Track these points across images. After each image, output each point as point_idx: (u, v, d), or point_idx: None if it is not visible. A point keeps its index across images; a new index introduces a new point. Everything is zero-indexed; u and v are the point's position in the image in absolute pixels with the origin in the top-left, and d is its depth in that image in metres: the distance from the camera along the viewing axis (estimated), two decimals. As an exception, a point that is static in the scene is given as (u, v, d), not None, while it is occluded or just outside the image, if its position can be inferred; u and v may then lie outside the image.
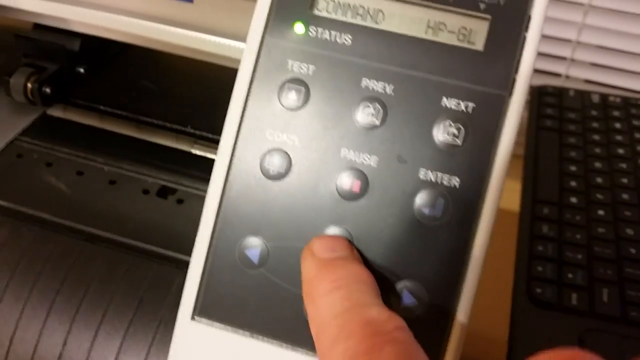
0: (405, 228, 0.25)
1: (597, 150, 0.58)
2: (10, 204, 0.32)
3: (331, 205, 0.25)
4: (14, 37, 0.40)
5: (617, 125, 0.61)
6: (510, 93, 0.24)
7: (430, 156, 0.24)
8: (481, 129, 0.24)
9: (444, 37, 0.25)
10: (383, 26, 0.25)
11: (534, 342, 0.44)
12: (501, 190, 0.24)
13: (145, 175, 0.34)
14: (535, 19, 0.25)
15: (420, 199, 0.24)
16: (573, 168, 0.56)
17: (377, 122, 0.25)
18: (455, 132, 0.24)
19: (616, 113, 0.62)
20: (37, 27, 0.39)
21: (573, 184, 0.55)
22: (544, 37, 0.83)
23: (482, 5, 0.25)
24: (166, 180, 0.34)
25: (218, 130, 0.39)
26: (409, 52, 0.25)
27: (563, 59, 0.85)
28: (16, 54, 0.40)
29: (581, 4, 0.78)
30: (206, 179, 0.36)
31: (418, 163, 0.24)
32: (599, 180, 0.55)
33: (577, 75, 0.85)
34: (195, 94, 0.40)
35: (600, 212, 0.52)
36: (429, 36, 0.25)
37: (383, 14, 0.26)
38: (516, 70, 0.24)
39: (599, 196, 0.54)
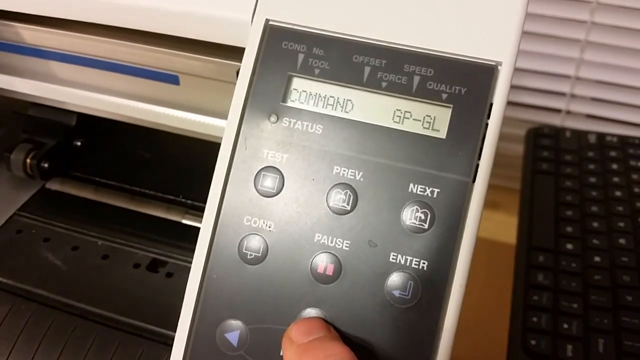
0: (377, 309, 0.25)
1: (594, 193, 0.58)
2: (10, 280, 0.34)
3: (306, 288, 0.26)
4: (12, 113, 0.42)
5: (614, 166, 0.61)
6: (473, 179, 0.25)
7: (399, 240, 0.25)
8: (446, 213, 0.25)
9: (409, 126, 0.26)
10: (352, 115, 0.27)
11: (530, 395, 0.45)
12: (467, 273, 0.25)
13: (137, 248, 0.36)
14: (496, 106, 0.26)
15: (391, 282, 0.25)
16: (569, 212, 0.57)
17: (348, 208, 0.26)
18: (422, 216, 0.25)
19: (613, 154, 0.63)
20: (35, 104, 0.42)
21: (569, 229, 0.55)
22: (543, 74, 0.83)
23: (444, 95, 0.26)
24: (157, 253, 0.36)
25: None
26: (377, 141, 0.26)
27: (562, 94, 0.85)
28: (15, 130, 0.42)
29: (578, 40, 0.79)
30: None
31: (388, 247, 0.26)
32: (595, 224, 0.55)
33: (577, 110, 0.86)
34: (187, 166, 0.42)
35: (597, 259, 0.52)
36: (396, 125, 0.26)
37: (352, 103, 0.27)
38: (479, 157, 0.25)
39: (595, 242, 0.54)
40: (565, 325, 0.47)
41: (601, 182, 0.60)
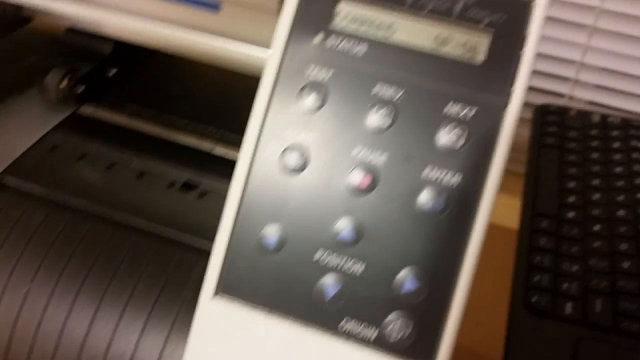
0: (410, 220, 0.27)
1: (596, 168, 0.61)
2: (45, 191, 0.35)
3: (343, 198, 0.28)
4: (48, 40, 0.43)
5: (616, 144, 0.63)
6: (507, 103, 0.27)
7: (435, 156, 0.27)
8: (480, 133, 0.27)
9: (449, 50, 0.28)
10: (395, 38, 0.28)
11: (529, 349, 0.46)
12: (498, 189, 0.27)
13: (170, 170, 0.37)
14: (531, 37, 0.27)
15: (424, 194, 0.27)
16: (572, 184, 0.59)
17: (387, 124, 0.28)
18: (457, 135, 0.27)
19: (615, 133, 0.65)
20: (71, 31, 0.43)
21: (572, 199, 0.57)
22: (549, 57, 0.85)
23: (484, 22, 0.28)
24: (189, 176, 0.37)
25: (239, 131, 0.42)
26: (418, 63, 0.28)
27: (567, 79, 0.87)
28: (50, 55, 0.43)
29: (586, 26, 0.81)
30: (226, 177, 0.39)
31: (423, 162, 0.27)
32: (597, 196, 0.57)
33: (580, 96, 0.88)
34: (218, 97, 0.43)
35: (596, 227, 0.54)
36: (437, 48, 0.28)
37: (395, 26, 0.28)
38: (513, 83, 0.27)
39: (595, 212, 0.56)
40: (565, 285, 0.49)
41: (603, 158, 0.62)
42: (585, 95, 0.87)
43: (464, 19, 0.28)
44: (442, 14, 0.28)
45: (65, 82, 0.40)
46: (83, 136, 0.39)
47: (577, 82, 0.86)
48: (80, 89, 0.40)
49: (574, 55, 0.84)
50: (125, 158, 0.38)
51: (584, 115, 0.68)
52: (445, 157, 0.27)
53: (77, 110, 0.41)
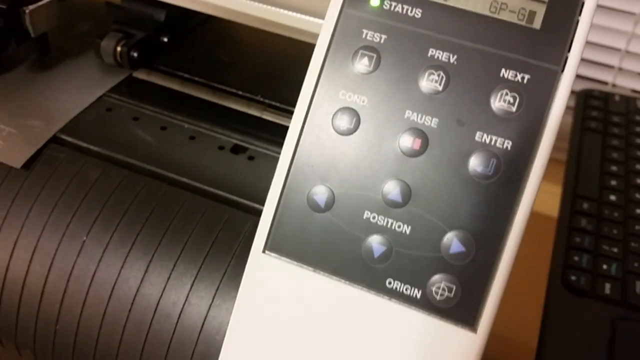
0: (459, 184, 0.27)
1: (639, 153, 0.60)
2: (101, 149, 0.36)
3: (393, 160, 0.28)
4: (105, 5, 0.44)
5: (660, 131, 0.62)
6: (562, 69, 0.27)
7: (487, 121, 0.27)
8: (534, 99, 0.27)
9: (505, 15, 0.28)
10: (450, 2, 0.28)
11: (566, 327, 0.46)
12: (548, 156, 0.27)
13: (220, 134, 0.38)
14: (588, 5, 0.27)
15: (475, 159, 0.27)
16: (614, 168, 0.58)
17: (440, 88, 0.28)
18: (511, 100, 0.27)
19: (660, 119, 0.64)
20: (127, -3, 0.44)
21: (613, 183, 0.57)
22: (593, 45, 0.84)
23: (542, -11, 0.28)
24: (239, 139, 0.38)
25: (286, 100, 0.43)
26: (473, 27, 0.28)
27: (611, 67, 0.86)
28: (106, 21, 0.44)
29: (632, 14, 0.80)
30: (274, 141, 0.40)
31: (475, 126, 0.27)
32: (638, 181, 0.57)
33: (623, 84, 0.86)
34: (266, 66, 0.44)
35: (638, 211, 0.54)
36: (492, 13, 0.28)
37: (451, -7, 0.29)
38: (569, 49, 0.27)
39: (637, 196, 0.55)
40: (605, 266, 0.49)
41: (647, 144, 0.61)
42: (628, 83, 0.86)
43: (522, -15, 0.28)
44: (499, -20, 0.28)
45: (120, 47, 0.41)
46: (137, 99, 0.40)
47: (620, 70, 0.85)
48: (135, 54, 0.41)
49: (619, 43, 0.82)
50: (178, 121, 0.39)
51: (627, 100, 0.67)
52: (497, 122, 0.27)
53: (131, 75, 0.43)
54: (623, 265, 0.49)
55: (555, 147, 0.27)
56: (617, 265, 0.49)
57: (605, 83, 0.86)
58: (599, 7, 0.81)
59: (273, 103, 0.41)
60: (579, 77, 0.86)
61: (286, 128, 0.29)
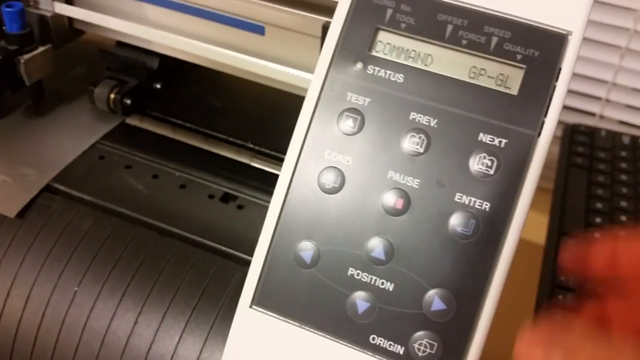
0: (440, 243, 0.28)
1: (624, 189, 0.61)
2: (94, 198, 0.37)
3: (376, 218, 0.29)
4: (98, 52, 0.45)
5: (646, 167, 0.64)
6: (539, 133, 0.28)
7: (466, 182, 0.28)
8: (511, 162, 0.28)
9: (484, 81, 0.29)
10: (431, 68, 0.30)
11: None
12: (526, 216, 0.28)
13: (210, 182, 0.39)
14: (565, 70, 0.29)
15: (455, 219, 0.28)
16: (599, 205, 0.59)
17: (421, 150, 0.29)
18: (489, 163, 0.28)
19: (645, 155, 0.65)
20: (120, 44, 0.45)
21: (598, 220, 0.58)
22: (580, 76, 0.86)
23: (518, 56, 0.29)
24: (228, 187, 0.39)
25: (275, 148, 0.44)
26: (453, 92, 0.29)
27: (598, 99, 0.87)
28: (99, 67, 0.45)
29: (619, 47, 0.81)
30: (263, 189, 0.41)
31: (454, 188, 0.28)
32: (624, 218, 0.58)
33: (611, 115, 0.88)
34: (256, 113, 0.45)
35: (623, 249, 0.55)
36: (471, 79, 0.29)
37: (432, 57, 0.30)
38: (545, 114, 0.28)
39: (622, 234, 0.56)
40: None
41: (632, 180, 0.62)
42: (615, 114, 0.87)
43: (499, 54, 0.29)
44: (478, 48, 0.29)
45: (113, 95, 0.42)
46: (129, 146, 0.41)
47: (608, 102, 0.86)
48: (128, 101, 0.42)
49: (606, 75, 0.84)
50: (169, 169, 0.40)
51: (614, 136, 0.68)
52: (476, 184, 0.28)
53: (124, 121, 0.44)
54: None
55: (542, 176, 0.28)
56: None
57: (592, 114, 0.88)
58: (586, 39, 0.83)
59: (263, 150, 0.42)
60: (566, 108, 0.87)
61: (275, 176, 0.30)
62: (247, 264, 0.31)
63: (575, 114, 0.88)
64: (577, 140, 0.68)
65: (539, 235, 0.58)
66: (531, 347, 0.25)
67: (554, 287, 0.51)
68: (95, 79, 0.44)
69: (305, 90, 0.37)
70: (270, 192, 0.30)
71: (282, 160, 0.31)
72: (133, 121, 0.44)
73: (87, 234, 0.36)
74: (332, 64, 0.30)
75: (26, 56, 0.41)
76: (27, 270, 0.35)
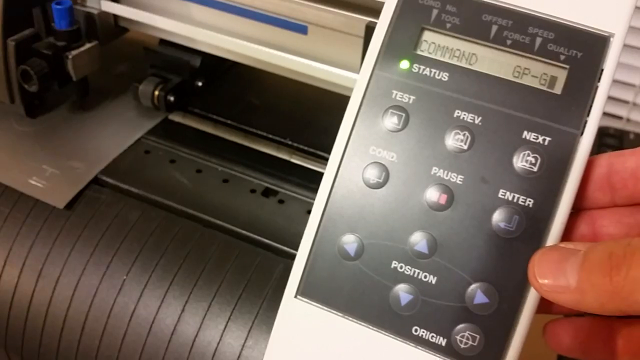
0: (483, 238, 0.29)
1: (654, 192, 0.61)
2: (141, 191, 0.39)
3: (420, 214, 0.30)
4: (143, 50, 0.46)
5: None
6: (581, 132, 0.29)
7: (509, 179, 0.29)
8: (555, 160, 0.29)
9: (527, 80, 0.30)
10: (476, 67, 0.30)
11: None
12: (568, 213, 0.29)
13: (251, 177, 0.40)
14: (607, 72, 0.29)
15: (498, 215, 0.29)
16: (629, 207, 0.59)
17: (465, 147, 0.30)
18: (533, 160, 0.29)
19: (675, 159, 0.65)
20: (163, 42, 0.46)
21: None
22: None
23: (562, 57, 0.29)
24: (269, 182, 0.40)
25: (313, 144, 0.45)
26: (497, 91, 0.30)
27: (625, 102, 0.87)
28: (143, 64, 0.47)
29: (647, 52, 0.81)
30: (302, 185, 0.42)
31: (498, 184, 0.29)
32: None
33: (638, 119, 0.88)
34: (294, 111, 0.46)
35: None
36: (515, 78, 0.30)
37: (476, 57, 0.30)
38: (588, 114, 0.29)
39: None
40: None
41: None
42: (644, 118, 0.87)
43: (543, 54, 0.29)
44: (522, 48, 0.30)
45: (157, 92, 0.43)
46: (173, 142, 0.42)
47: (635, 105, 0.86)
48: (171, 98, 0.43)
49: (634, 79, 0.84)
50: (212, 164, 0.41)
51: (643, 139, 0.68)
52: (520, 181, 0.29)
53: (167, 117, 0.45)
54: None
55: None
56: None
57: (619, 117, 0.88)
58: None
59: (301, 146, 0.43)
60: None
61: (313, 172, 0.31)
62: (289, 256, 0.32)
63: (602, 117, 0.88)
64: (605, 142, 0.68)
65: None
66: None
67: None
68: (139, 76, 0.45)
69: (346, 88, 0.38)
70: (309, 188, 0.31)
71: (320, 157, 0.32)
72: (176, 117, 0.45)
73: (134, 226, 0.37)
74: (378, 63, 0.31)
75: (74, 52, 0.42)
76: (75, 259, 0.37)
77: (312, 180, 0.30)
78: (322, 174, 0.29)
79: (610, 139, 0.68)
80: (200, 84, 0.45)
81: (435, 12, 0.31)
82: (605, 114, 0.89)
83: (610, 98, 0.88)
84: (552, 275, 0.26)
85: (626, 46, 0.81)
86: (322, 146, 0.34)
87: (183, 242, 0.35)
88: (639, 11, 0.80)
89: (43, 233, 0.38)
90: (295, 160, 0.42)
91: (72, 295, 0.36)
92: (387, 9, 0.32)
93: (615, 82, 0.86)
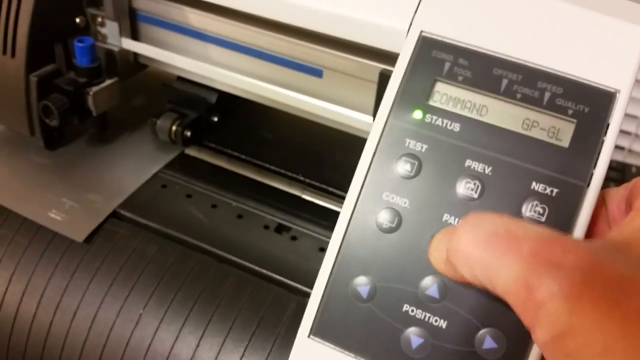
0: (491, 284, 0.30)
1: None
2: (158, 225, 0.40)
3: (431, 259, 0.31)
4: (161, 86, 0.48)
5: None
6: (588, 184, 0.30)
7: (517, 228, 0.30)
8: (562, 211, 0.30)
9: (536, 133, 0.31)
10: (486, 119, 0.32)
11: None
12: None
13: (265, 212, 0.41)
14: (612, 126, 0.30)
15: (506, 262, 0.30)
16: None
17: (475, 196, 0.31)
18: (541, 210, 0.30)
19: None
20: (180, 78, 0.47)
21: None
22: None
23: (569, 111, 0.31)
24: (282, 219, 0.41)
25: (324, 181, 0.46)
26: (507, 142, 0.31)
27: (627, 133, 0.88)
28: (159, 98, 0.48)
29: (649, 85, 0.83)
30: (315, 222, 0.43)
31: (507, 232, 0.30)
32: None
33: (639, 150, 0.89)
34: (306, 147, 0.47)
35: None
36: (524, 131, 0.31)
37: (487, 109, 0.32)
38: (594, 166, 0.30)
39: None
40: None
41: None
42: (646, 150, 0.88)
43: (552, 108, 0.31)
44: (531, 102, 0.31)
45: (175, 127, 0.45)
46: (189, 176, 0.43)
47: (637, 137, 0.88)
48: (188, 133, 0.45)
49: (636, 110, 0.85)
50: (227, 199, 0.42)
51: (645, 173, 0.69)
52: (527, 230, 0.30)
53: (183, 152, 0.46)
54: None
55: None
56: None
57: (621, 148, 0.89)
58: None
59: (313, 182, 0.44)
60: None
61: (324, 209, 0.32)
62: (302, 293, 0.33)
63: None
64: (608, 176, 0.69)
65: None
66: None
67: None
68: (156, 110, 0.47)
69: (359, 129, 0.39)
70: (321, 225, 0.32)
71: (331, 193, 0.33)
72: (192, 152, 0.46)
73: (152, 260, 0.38)
74: (392, 112, 0.32)
75: (95, 88, 0.44)
76: (93, 292, 0.38)
77: (324, 217, 0.31)
78: (332, 211, 0.31)
79: (612, 172, 0.69)
80: (215, 119, 0.47)
81: (447, 64, 0.32)
82: (607, 144, 0.90)
83: (613, 129, 0.89)
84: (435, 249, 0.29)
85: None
86: (333, 182, 0.35)
87: (198, 277, 0.36)
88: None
89: (62, 265, 0.39)
90: (307, 196, 0.43)
91: (89, 328, 0.37)
92: (402, 60, 0.33)
93: (617, 113, 0.87)
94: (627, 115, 0.87)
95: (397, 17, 0.33)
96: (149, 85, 0.49)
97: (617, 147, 0.89)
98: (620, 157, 0.88)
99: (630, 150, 0.89)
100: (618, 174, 0.69)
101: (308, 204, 0.43)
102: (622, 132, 0.88)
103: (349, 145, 0.31)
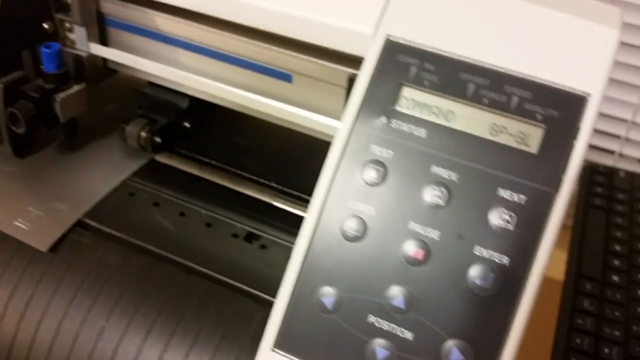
0: (459, 294, 0.29)
1: (642, 231, 0.61)
2: (123, 235, 0.39)
3: (397, 268, 0.30)
4: (131, 90, 0.47)
5: (665, 209, 0.64)
6: (557, 191, 0.29)
7: (485, 236, 0.29)
8: (530, 218, 0.29)
9: (504, 139, 0.30)
10: (453, 125, 0.31)
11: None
12: (544, 271, 0.29)
13: (235, 220, 0.40)
14: (583, 130, 0.29)
15: (474, 271, 0.29)
16: (618, 247, 0.59)
17: (442, 203, 0.30)
18: (508, 218, 0.29)
19: (664, 197, 0.65)
20: (151, 83, 0.47)
21: (616, 262, 0.58)
22: (600, 115, 0.86)
23: (538, 116, 0.30)
24: (252, 227, 0.40)
25: (297, 187, 0.45)
26: (474, 148, 0.30)
27: (617, 137, 0.88)
28: (131, 105, 0.47)
29: (638, 86, 0.82)
30: (285, 230, 0.42)
31: (474, 241, 0.29)
32: (642, 261, 0.58)
33: (630, 154, 0.88)
34: (280, 153, 0.46)
35: (640, 293, 0.55)
36: (492, 136, 0.30)
37: (454, 114, 0.31)
38: (563, 172, 0.29)
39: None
40: (606, 350, 0.50)
41: (651, 222, 0.62)
42: (635, 153, 0.87)
43: (520, 113, 0.30)
44: (498, 107, 0.30)
45: (145, 134, 0.44)
46: (158, 183, 0.42)
47: (627, 140, 0.87)
48: (158, 139, 0.44)
49: (626, 114, 0.85)
50: (196, 207, 0.41)
51: (633, 177, 0.68)
52: (495, 238, 0.29)
53: (153, 158, 0.45)
54: (624, 349, 0.50)
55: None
56: (618, 350, 0.50)
57: (611, 152, 0.88)
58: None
59: (286, 189, 0.43)
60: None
61: (297, 217, 0.31)
62: (269, 304, 0.32)
63: (594, 152, 0.89)
64: (595, 180, 0.68)
65: (557, 271, 0.58)
66: None
67: (571, 330, 0.51)
68: (126, 116, 0.46)
69: (330, 135, 0.38)
70: (292, 233, 0.31)
71: (303, 200, 0.32)
72: (162, 158, 0.45)
73: (116, 271, 0.37)
74: (358, 117, 0.32)
75: (62, 95, 0.43)
76: (57, 303, 0.37)
77: (295, 225, 0.30)
78: (304, 219, 0.30)
79: (600, 177, 0.69)
80: (187, 125, 0.46)
81: (414, 69, 0.31)
82: (597, 148, 0.89)
83: (602, 133, 0.88)
84: None
85: (618, 81, 0.82)
86: (306, 189, 0.34)
87: (163, 288, 0.35)
88: (632, 48, 0.80)
89: (26, 276, 0.38)
90: (278, 204, 0.42)
91: (53, 339, 0.36)
92: (367, 64, 0.32)
93: (607, 116, 0.86)
94: (616, 119, 0.86)
95: (364, 21, 0.32)
96: (120, 91, 0.48)
97: (607, 151, 0.88)
98: (610, 162, 0.87)
99: (620, 155, 0.88)
100: (605, 178, 0.68)
101: (280, 211, 0.42)
102: (612, 136, 0.87)
103: (323, 152, 0.30)
